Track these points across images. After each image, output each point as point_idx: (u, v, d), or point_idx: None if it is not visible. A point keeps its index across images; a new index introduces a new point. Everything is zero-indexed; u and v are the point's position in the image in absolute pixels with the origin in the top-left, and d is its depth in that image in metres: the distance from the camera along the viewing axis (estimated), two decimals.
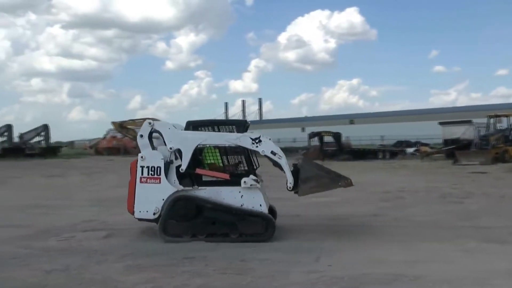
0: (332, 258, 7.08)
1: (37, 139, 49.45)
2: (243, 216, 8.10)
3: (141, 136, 8.30)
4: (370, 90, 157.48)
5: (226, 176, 8.24)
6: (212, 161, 8.55)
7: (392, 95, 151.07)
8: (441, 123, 39.52)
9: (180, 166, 8.19)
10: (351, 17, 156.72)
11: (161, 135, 8.36)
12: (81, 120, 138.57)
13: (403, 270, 6.34)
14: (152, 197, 8.12)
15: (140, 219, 8.40)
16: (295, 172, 8.32)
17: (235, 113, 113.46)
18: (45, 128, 49.32)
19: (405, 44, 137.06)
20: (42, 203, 13.62)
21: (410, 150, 40.44)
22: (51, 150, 48.55)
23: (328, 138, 37.50)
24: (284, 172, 8.26)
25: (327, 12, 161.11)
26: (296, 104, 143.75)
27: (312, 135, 37.94)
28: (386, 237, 8.59)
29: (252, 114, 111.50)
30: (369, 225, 9.83)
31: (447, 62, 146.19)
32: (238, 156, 8.76)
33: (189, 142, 8.24)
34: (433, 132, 43.32)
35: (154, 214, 8.14)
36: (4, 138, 47.87)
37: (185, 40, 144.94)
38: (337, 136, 37.17)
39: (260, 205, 8.20)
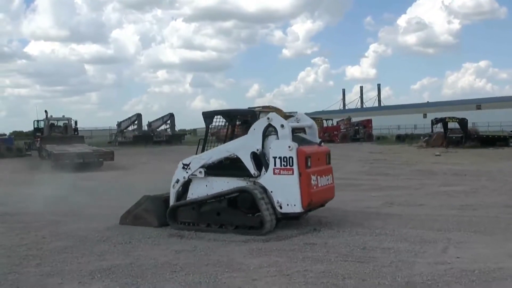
0: (460, 250, 6.74)
1: (163, 127, 52.12)
2: None
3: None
4: (500, 73, 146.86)
5: None
6: None
7: None
8: None
9: None
10: None
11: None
12: (202, 109, 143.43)
13: None
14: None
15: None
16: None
17: (352, 99, 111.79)
18: (171, 116, 51.76)
19: None
20: None
21: None
22: (176, 138, 51.04)
23: (452, 124, 35.56)
24: None
25: None
26: (417, 89, 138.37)
27: (435, 121, 36.19)
28: None
29: (370, 100, 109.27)
30: (501, 216, 9.19)
31: None
32: None
33: None
34: None
35: None
36: (135, 126, 51.06)
37: (302, 27, 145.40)
38: (463, 122, 35.04)
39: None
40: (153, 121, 52.12)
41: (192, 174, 8.63)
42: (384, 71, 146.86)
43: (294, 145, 7.95)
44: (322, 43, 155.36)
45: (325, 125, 53.18)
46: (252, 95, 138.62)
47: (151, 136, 49.05)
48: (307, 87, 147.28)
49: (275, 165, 7.97)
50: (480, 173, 17.10)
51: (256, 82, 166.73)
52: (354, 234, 7.80)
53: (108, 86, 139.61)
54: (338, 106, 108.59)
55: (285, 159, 7.91)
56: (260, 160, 8.15)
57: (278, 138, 8.07)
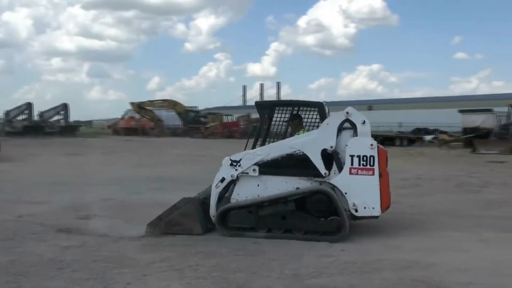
0: (346, 243, 7.08)
1: (56, 117, 49.99)
2: None
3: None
4: (390, 76, 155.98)
5: None
6: None
7: (412, 82, 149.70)
8: (460, 111, 39.07)
9: None
10: (372, 2, 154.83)
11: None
12: (100, 100, 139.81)
13: (417, 257, 6.32)
14: None
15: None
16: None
17: (253, 96, 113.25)
18: (65, 107, 49.82)
19: (427, 30, 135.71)
20: (62, 180, 13.79)
21: (428, 137, 39.98)
22: (70, 129, 49.11)
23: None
24: None
25: None
26: (315, 88, 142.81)
27: None
28: (402, 224, 8.54)
29: (270, 98, 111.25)
30: (385, 211, 9.76)
31: (469, 49, 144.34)
32: None
33: None
34: (452, 120, 42.89)
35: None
36: (25, 116, 48.35)
37: (205, 22, 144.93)
38: None
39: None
40: (45, 111, 49.76)
41: (242, 172, 7.67)
42: (284, 69, 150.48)
43: (375, 143, 7.33)
44: (224, 39, 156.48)
45: (225, 120, 53.60)
46: (152, 88, 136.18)
47: (42, 127, 46.73)
48: (209, 82, 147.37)
49: (352, 164, 7.28)
50: None
51: (156, 75, 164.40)
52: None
53: None
54: (239, 102, 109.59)
55: (365, 158, 7.26)
56: (329, 158, 7.42)
57: (355, 135, 7.41)
